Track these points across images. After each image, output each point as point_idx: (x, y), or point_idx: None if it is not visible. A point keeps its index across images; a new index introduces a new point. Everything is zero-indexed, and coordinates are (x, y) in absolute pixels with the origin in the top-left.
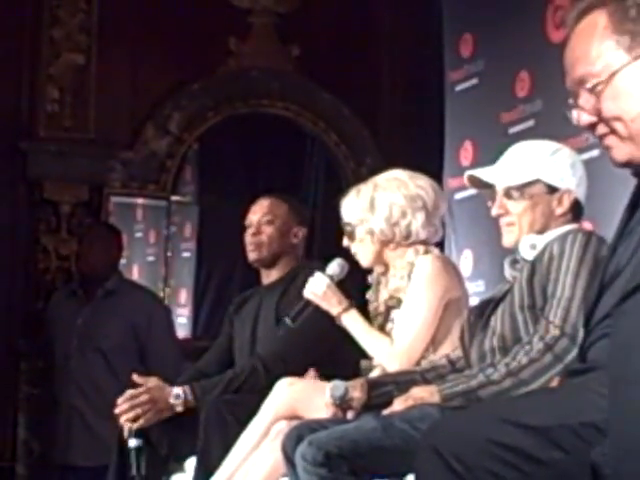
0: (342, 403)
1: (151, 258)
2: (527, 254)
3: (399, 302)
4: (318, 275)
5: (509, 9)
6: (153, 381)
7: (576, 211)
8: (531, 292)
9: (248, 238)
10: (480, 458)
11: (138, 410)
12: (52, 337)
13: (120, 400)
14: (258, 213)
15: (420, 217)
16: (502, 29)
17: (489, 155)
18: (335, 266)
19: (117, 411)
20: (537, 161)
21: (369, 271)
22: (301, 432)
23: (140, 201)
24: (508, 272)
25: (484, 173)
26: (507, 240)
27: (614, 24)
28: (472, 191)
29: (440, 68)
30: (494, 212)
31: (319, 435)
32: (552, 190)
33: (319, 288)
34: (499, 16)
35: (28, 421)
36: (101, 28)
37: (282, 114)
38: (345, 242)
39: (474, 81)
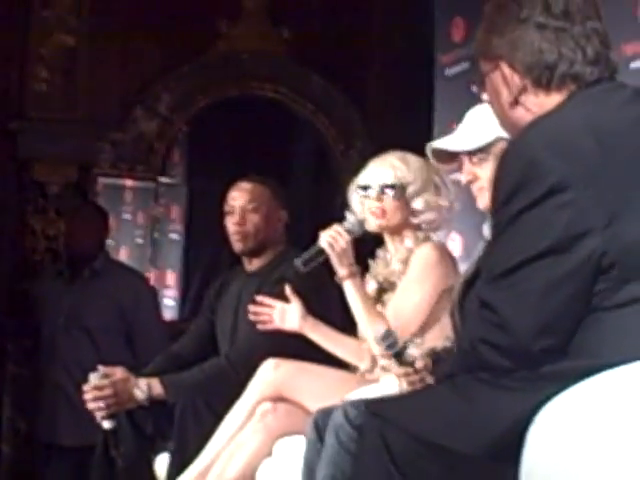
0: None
1: (139, 240)
2: None
3: (392, 286)
4: (338, 227)
5: None
6: (119, 373)
7: None
8: None
9: (233, 227)
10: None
11: (100, 403)
12: (38, 317)
13: (85, 387)
14: (240, 199)
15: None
16: None
17: None
18: (354, 222)
19: (84, 398)
20: (495, 120)
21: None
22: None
23: (128, 182)
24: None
25: (445, 142)
26: (481, 203)
27: None
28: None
29: (431, 52)
30: (464, 180)
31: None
32: None
33: (339, 242)
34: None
35: (14, 401)
36: (91, 9)
37: (272, 97)
38: (372, 197)
39: (465, 65)
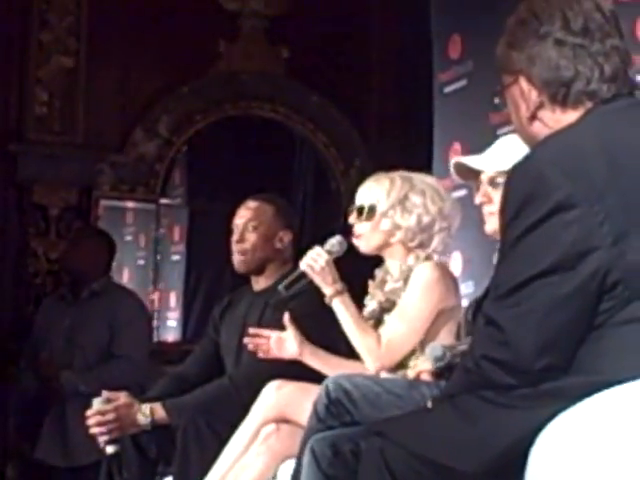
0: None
1: (141, 261)
2: None
3: (393, 305)
4: (317, 249)
5: (497, 10)
6: (123, 398)
7: None
8: None
9: (232, 245)
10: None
11: (103, 428)
12: (40, 340)
13: (88, 413)
14: (243, 218)
15: (442, 235)
16: (490, 30)
17: None
18: (334, 242)
19: (87, 423)
20: (522, 150)
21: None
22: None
23: (129, 204)
24: None
25: (471, 160)
26: (489, 227)
27: None
28: (461, 192)
29: (429, 70)
30: (477, 200)
31: None
32: None
33: (318, 262)
34: (487, 17)
35: (18, 424)
36: (90, 31)
37: (271, 116)
38: (352, 220)
39: (463, 82)
